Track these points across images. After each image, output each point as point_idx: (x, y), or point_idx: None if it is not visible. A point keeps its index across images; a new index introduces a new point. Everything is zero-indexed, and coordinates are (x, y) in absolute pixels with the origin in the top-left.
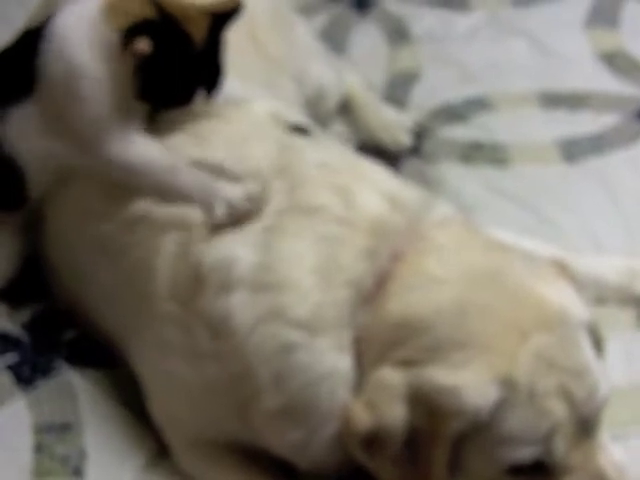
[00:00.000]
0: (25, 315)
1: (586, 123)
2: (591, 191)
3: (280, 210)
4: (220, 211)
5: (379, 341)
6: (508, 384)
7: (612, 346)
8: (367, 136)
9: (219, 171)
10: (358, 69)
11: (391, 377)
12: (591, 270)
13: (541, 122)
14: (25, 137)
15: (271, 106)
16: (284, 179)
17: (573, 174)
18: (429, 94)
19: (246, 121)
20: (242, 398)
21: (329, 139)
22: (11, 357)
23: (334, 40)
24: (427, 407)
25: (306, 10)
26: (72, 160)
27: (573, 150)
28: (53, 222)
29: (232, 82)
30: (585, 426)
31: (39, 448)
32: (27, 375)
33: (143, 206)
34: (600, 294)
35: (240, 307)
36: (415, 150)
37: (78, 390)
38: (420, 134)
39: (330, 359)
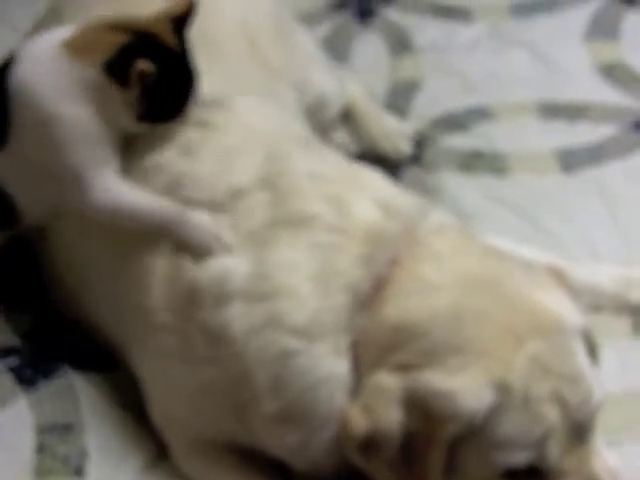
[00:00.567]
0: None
1: (584, 134)
2: (588, 201)
3: (267, 222)
4: (198, 250)
5: (376, 346)
6: (503, 389)
7: (607, 353)
8: (368, 144)
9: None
10: (360, 78)
11: (387, 381)
12: (588, 278)
13: (540, 132)
14: (8, 180)
15: (256, 104)
16: (271, 191)
17: (571, 184)
18: (430, 103)
19: (236, 129)
20: (240, 401)
21: (326, 147)
22: (13, 360)
23: (337, 49)
24: (423, 411)
25: (309, 19)
26: (56, 202)
27: (571, 160)
28: (57, 236)
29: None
30: (579, 431)
31: (41, 448)
32: (29, 376)
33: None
34: (596, 302)
35: (238, 317)
36: (415, 158)
37: (79, 392)
38: (420, 143)
39: (328, 364)
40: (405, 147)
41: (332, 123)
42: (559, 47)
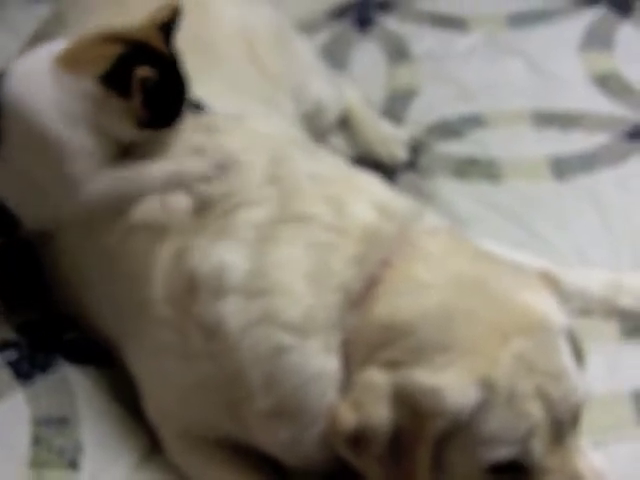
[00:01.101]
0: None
1: (577, 142)
2: (581, 208)
3: (272, 218)
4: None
5: (366, 343)
6: (488, 386)
7: (595, 356)
8: (364, 150)
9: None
10: (358, 85)
11: (377, 378)
12: (577, 282)
13: (534, 140)
14: (5, 192)
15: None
16: (276, 188)
17: (564, 191)
18: (426, 110)
19: (243, 134)
20: (234, 397)
21: (325, 151)
22: (10, 354)
23: (336, 57)
24: (410, 407)
25: (309, 28)
26: (53, 213)
27: (564, 168)
28: (60, 238)
29: (229, 98)
30: (561, 427)
31: (37, 440)
32: (26, 370)
33: (141, 215)
34: (585, 306)
35: (233, 312)
36: (411, 164)
37: (75, 386)
38: (416, 149)
39: (319, 361)
40: (401, 153)
41: (329, 129)
42: (554, 57)
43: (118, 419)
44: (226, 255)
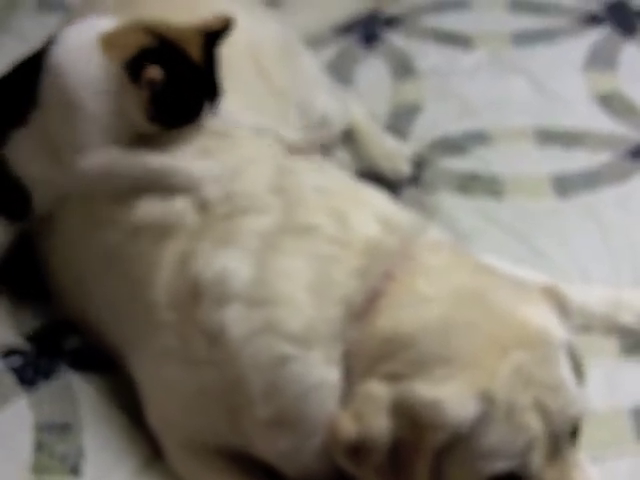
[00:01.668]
0: (29, 326)
1: (580, 160)
2: (582, 225)
3: (276, 227)
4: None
5: (367, 355)
6: (487, 399)
7: (595, 373)
8: (368, 164)
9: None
10: (363, 100)
11: (377, 390)
12: (578, 299)
13: (536, 157)
14: (24, 161)
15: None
16: (281, 198)
17: (565, 208)
18: (430, 126)
19: (253, 144)
20: (234, 405)
21: (330, 165)
22: (15, 360)
23: (341, 72)
24: (410, 419)
25: (315, 43)
26: (61, 184)
27: (566, 185)
28: (60, 231)
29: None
30: (559, 440)
31: (39, 446)
32: (30, 377)
33: (146, 215)
34: (586, 322)
35: (235, 320)
36: (414, 179)
37: (78, 393)
38: (420, 164)
39: (321, 372)
40: (404, 168)
41: (334, 143)
42: (558, 76)
43: (120, 426)
44: (230, 262)
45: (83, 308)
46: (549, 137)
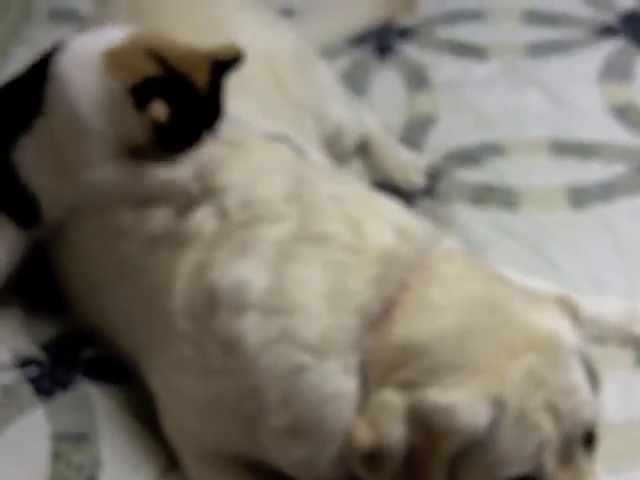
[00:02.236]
0: (44, 336)
1: (594, 172)
2: (596, 237)
3: (291, 236)
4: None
5: (383, 364)
6: (499, 403)
7: (610, 384)
8: (382, 175)
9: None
10: (377, 112)
11: (392, 398)
12: (592, 310)
13: (551, 169)
14: (31, 167)
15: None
16: (296, 207)
17: (579, 220)
18: (445, 138)
19: (268, 153)
20: (250, 414)
21: (346, 174)
22: (32, 370)
23: (355, 83)
24: (424, 426)
25: (329, 54)
26: (69, 194)
27: (580, 197)
28: (74, 240)
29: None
30: (571, 443)
31: (56, 456)
32: (46, 387)
33: (164, 226)
34: (600, 333)
35: (252, 329)
36: (428, 191)
37: (95, 403)
38: (434, 175)
39: (337, 381)
40: (419, 179)
41: (348, 153)
42: (573, 87)
43: (136, 435)
44: (246, 272)
45: (98, 317)
46: (564, 148)
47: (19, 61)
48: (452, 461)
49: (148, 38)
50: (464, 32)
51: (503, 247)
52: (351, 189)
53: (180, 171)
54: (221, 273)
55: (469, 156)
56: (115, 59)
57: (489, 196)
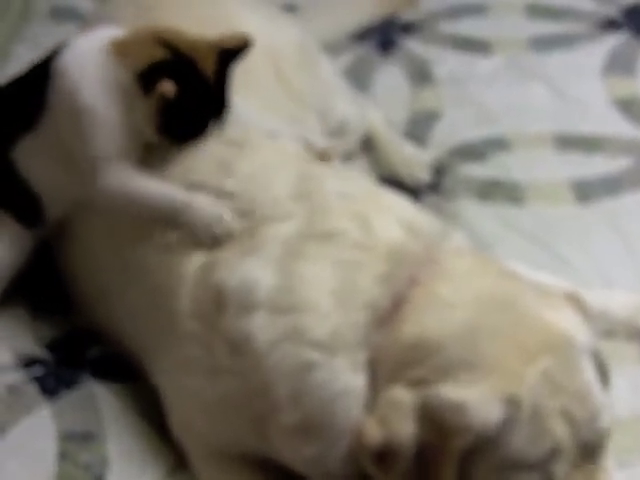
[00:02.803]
0: (50, 335)
1: (599, 166)
2: (603, 231)
3: (299, 234)
4: (203, 234)
5: (392, 361)
6: (513, 403)
7: (618, 378)
8: (387, 171)
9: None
10: (380, 107)
11: (403, 396)
12: (600, 304)
13: (556, 163)
14: (34, 165)
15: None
16: (304, 204)
17: (586, 214)
18: (449, 133)
19: (272, 151)
20: (259, 413)
21: (352, 170)
22: (37, 370)
23: (358, 79)
24: (436, 424)
25: (332, 49)
26: (75, 193)
27: (586, 191)
28: (80, 241)
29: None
30: (587, 449)
31: (63, 455)
32: (52, 386)
33: (175, 233)
34: (608, 328)
35: (260, 327)
36: (434, 186)
37: (101, 402)
38: (439, 171)
39: (346, 378)
40: (424, 175)
41: (353, 149)
42: (577, 81)
43: (144, 435)
44: (254, 270)
45: (105, 317)
46: (569, 143)
47: (20, 60)
48: (463, 459)
49: (155, 28)
50: (467, 27)
51: (510, 242)
52: (358, 185)
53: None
54: (228, 272)
55: (474, 151)
56: (123, 48)
57: (495, 191)
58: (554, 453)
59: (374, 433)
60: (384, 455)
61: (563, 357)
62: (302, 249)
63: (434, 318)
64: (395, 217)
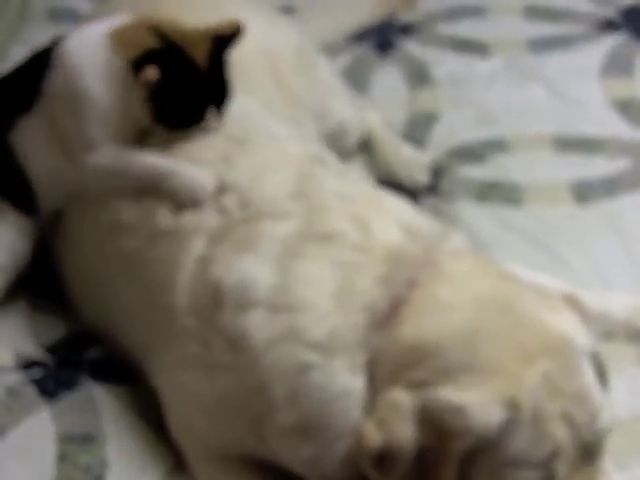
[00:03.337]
0: (48, 337)
1: (598, 167)
2: (602, 232)
3: (297, 233)
4: (185, 197)
5: (391, 363)
6: (513, 406)
7: (617, 380)
8: (386, 173)
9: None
10: (379, 109)
11: (402, 398)
12: (599, 306)
13: (555, 164)
14: (29, 150)
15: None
16: (302, 204)
17: (585, 215)
18: (447, 134)
19: (275, 150)
20: (256, 413)
21: (351, 172)
22: (36, 372)
23: (356, 80)
24: (435, 426)
25: (330, 50)
26: (69, 179)
27: (585, 192)
28: (73, 234)
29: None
30: (587, 452)
31: (63, 457)
32: (51, 388)
33: (167, 221)
34: (607, 329)
35: (257, 326)
36: (432, 188)
37: (100, 403)
38: (438, 172)
39: (344, 380)
40: (422, 176)
41: (351, 151)
42: (575, 82)
43: (143, 436)
44: (251, 268)
45: (100, 315)
46: (567, 144)
47: (18, 60)
48: (463, 461)
49: (151, 17)
50: (465, 28)
51: (509, 244)
52: (357, 187)
53: (193, 169)
54: (226, 269)
55: (472, 152)
56: (119, 38)
57: (494, 192)
58: (554, 455)
59: (373, 436)
60: (384, 458)
61: (563, 359)
62: (301, 249)
63: (433, 320)
64: (394, 219)
